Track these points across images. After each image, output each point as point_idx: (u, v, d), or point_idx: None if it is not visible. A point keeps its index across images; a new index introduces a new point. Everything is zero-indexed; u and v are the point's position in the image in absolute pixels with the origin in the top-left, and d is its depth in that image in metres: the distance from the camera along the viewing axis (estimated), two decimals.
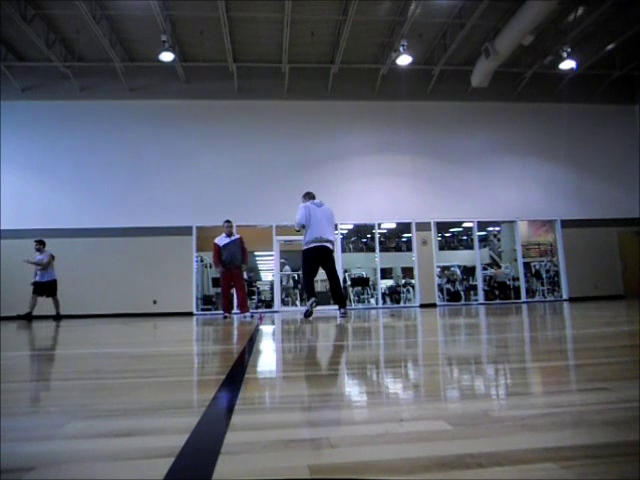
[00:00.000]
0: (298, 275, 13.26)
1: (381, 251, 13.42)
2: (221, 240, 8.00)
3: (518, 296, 13.20)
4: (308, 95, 13.04)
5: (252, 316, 7.85)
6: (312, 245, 6.42)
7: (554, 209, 13.15)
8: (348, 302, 13.11)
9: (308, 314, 6.41)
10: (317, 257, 6.45)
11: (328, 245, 6.49)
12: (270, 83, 12.83)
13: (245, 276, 8.95)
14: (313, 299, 6.47)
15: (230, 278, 7.94)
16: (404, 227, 14.17)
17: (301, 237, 6.69)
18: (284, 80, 12.69)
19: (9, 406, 1.34)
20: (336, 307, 6.71)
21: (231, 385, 1.62)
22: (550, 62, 12.66)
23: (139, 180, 12.24)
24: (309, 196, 6.77)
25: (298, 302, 13.64)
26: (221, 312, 8.43)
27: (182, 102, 12.60)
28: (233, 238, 8.02)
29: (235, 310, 9.30)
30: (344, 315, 6.33)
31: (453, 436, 0.94)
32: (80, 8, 9.62)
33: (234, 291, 8.28)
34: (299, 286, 13.44)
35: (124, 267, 11.79)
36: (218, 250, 7.93)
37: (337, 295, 6.54)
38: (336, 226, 12.61)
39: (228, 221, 8.17)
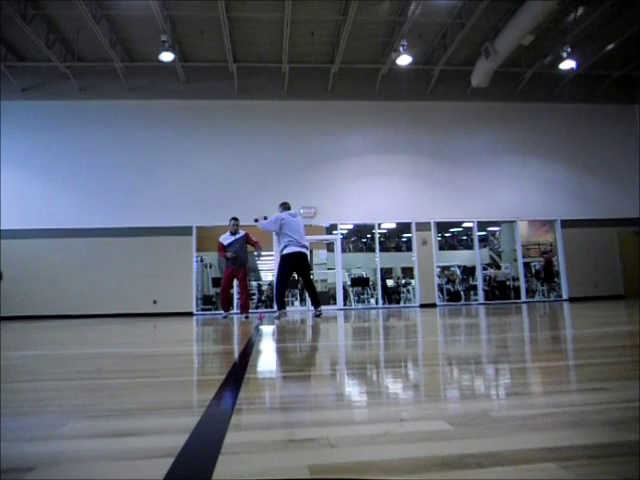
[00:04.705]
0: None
1: (381, 251, 13.42)
2: (225, 239, 7.79)
3: (518, 296, 13.20)
4: (308, 95, 13.04)
5: (247, 317, 7.74)
6: (289, 251, 6.70)
7: (554, 209, 13.15)
8: (348, 302, 13.11)
9: (276, 317, 6.67)
10: (293, 263, 6.75)
11: (304, 250, 6.82)
12: (270, 83, 12.83)
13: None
14: (283, 311, 6.73)
15: (232, 277, 7.78)
16: (404, 227, 14.17)
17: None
18: (284, 80, 12.69)
19: (9, 406, 1.34)
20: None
21: (231, 385, 1.62)
22: (550, 62, 12.66)
23: (139, 180, 12.24)
24: (285, 206, 7.10)
25: (297, 302, 13.65)
26: (221, 312, 8.28)
27: (182, 102, 12.60)
28: (237, 236, 7.77)
29: (235, 310, 9.27)
30: (319, 314, 6.66)
31: (453, 436, 0.94)
32: (80, 8, 9.61)
33: (235, 292, 8.12)
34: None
35: (124, 267, 11.79)
36: (222, 247, 7.77)
37: (313, 298, 6.92)
38: (336, 226, 12.64)
39: (234, 219, 7.86)
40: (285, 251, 6.73)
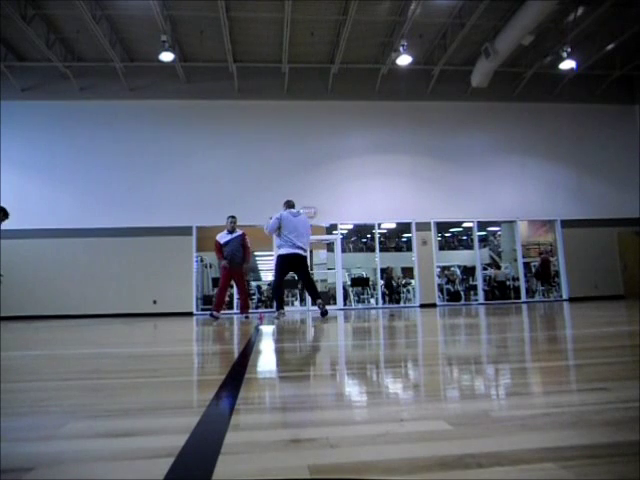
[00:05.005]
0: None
1: (381, 251, 13.42)
2: (222, 237, 7.63)
3: (518, 296, 13.20)
4: (308, 95, 13.04)
5: (247, 317, 7.70)
6: (284, 252, 6.70)
7: (554, 209, 13.15)
8: (348, 302, 13.10)
9: (275, 317, 6.63)
10: (289, 264, 6.75)
11: (300, 252, 6.75)
12: (270, 83, 12.83)
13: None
14: (281, 312, 6.69)
15: (230, 277, 7.62)
16: (404, 227, 14.17)
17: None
18: (284, 80, 12.69)
19: (9, 406, 1.34)
20: (334, 307, 6.78)
21: (231, 385, 1.62)
22: (550, 62, 12.66)
23: (139, 180, 12.24)
24: (288, 204, 7.07)
25: (297, 302, 13.65)
26: (223, 312, 8.17)
27: (182, 102, 12.60)
28: (235, 235, 7.61)
29: (235, 310, 9.22)
30: (322, 308, 6.59)
31: (453, 436, 0.94)
32: (80, 8, 9.62)
33: (233, 292, 8.00)
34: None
35: (124, 267, 11.79)
36: (219, 247, 7.61)
37: (312, 294, 6.93)
38: (336, 226, 12.63)
39: (232, 217, 7.71)
40: (280, 251, 6.78)
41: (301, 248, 6.74)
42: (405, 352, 2.65)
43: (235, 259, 7.56)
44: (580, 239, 12.93)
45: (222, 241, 7.62)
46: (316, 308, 6.78)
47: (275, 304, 6.98)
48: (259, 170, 12.44)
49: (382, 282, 13.70)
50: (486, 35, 11.49)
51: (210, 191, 12.20)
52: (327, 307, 7.03)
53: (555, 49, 11.94)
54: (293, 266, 6.79)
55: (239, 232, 7.74)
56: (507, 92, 13.37)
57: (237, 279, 7.73)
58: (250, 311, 8.23)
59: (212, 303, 8.78)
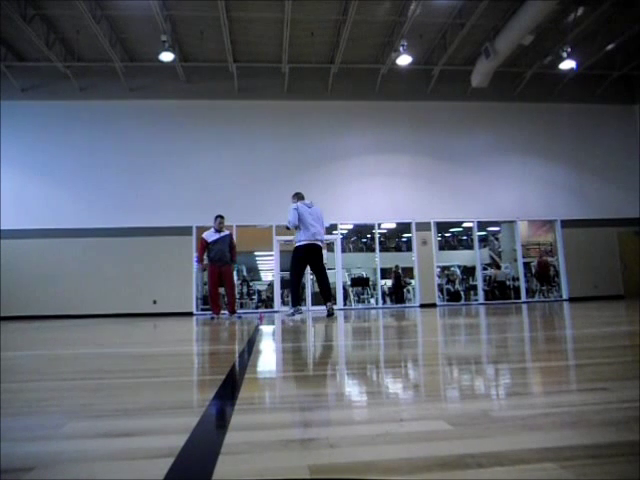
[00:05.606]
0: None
1: (381, 251, 13.42)
2: (210, 236, 7.66)
3: (518, 296, 13.20)
4: (308, 95, 13.04)
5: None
6: (303, 243, 6.57)
7: (554, 209, 13.15)
8: (348, 302, 13.11)
9: (291, 314, 6.57)
10: (307, 255, 6.61)
11: (318, 243, 6.64)
12: (270, 83, 12.84)
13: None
14: (298, 308, 6.62)
15: (219, 276, 7.65)
16: (404, 227, 14.17)
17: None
18: (284, 80, 12.70)
19: (9, 406, 1.34)
20: (335, 307, 6.75)
21: (231, 385, 1.62)
22: (550, 62, 12.67)
23: (139, 180, 12.25)
24: (298, 197, 6.95)
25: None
26: (223, 313, 8.21)
27: (182, 102, 12.60)
28: (222, 234, 7.68)
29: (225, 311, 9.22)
30: (331, 311, 6.46)
31: (453, 436, 0.94)
32: (80, 8, 9.62)
33: (224, 291, 8.00)
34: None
35: (124, 267, 11.79)
36: (205, 245, 7.61)
37: (326, 292, 6.72)
38: (336, 226, 12.63)
39: (221, 216, 7.77)
40: (298, 243, 6.65)
41: (318, 239, 6.64)
42: (405, 352, 2.65)
43: (224, 258, 7.61)
44: (580, 239, 12.93)
45: (209, 240, 7.64)
46: (318, 307, 6.77)
47: (290, 300, 6.89)
48: (259, 170, 12.44)
49: (389, 282, 13.62)
50: (486, 35, 11.50)
51: (210, 191, 12.20)
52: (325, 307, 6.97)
53: (555, 49, 11.95)
54: (310, 258, 6.64)
55: (226, 232, 7.79)
56: (507, 92, 13.38)
57: (226, 278, 7.73)
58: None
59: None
